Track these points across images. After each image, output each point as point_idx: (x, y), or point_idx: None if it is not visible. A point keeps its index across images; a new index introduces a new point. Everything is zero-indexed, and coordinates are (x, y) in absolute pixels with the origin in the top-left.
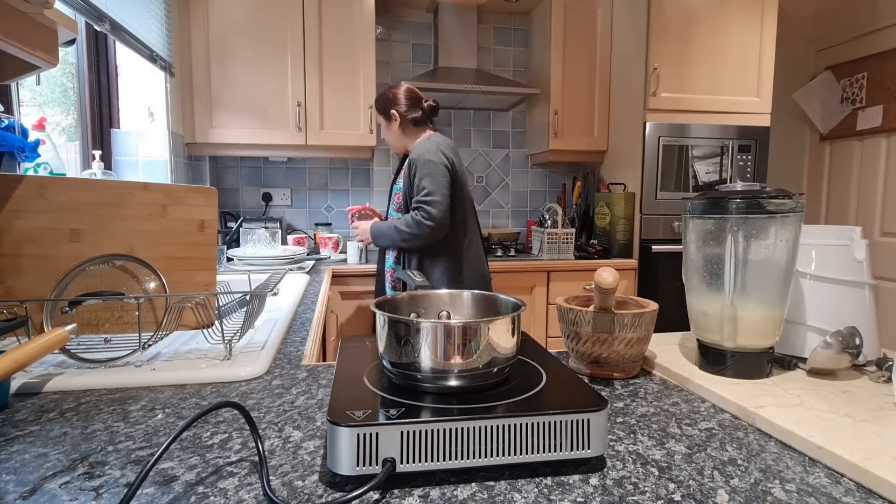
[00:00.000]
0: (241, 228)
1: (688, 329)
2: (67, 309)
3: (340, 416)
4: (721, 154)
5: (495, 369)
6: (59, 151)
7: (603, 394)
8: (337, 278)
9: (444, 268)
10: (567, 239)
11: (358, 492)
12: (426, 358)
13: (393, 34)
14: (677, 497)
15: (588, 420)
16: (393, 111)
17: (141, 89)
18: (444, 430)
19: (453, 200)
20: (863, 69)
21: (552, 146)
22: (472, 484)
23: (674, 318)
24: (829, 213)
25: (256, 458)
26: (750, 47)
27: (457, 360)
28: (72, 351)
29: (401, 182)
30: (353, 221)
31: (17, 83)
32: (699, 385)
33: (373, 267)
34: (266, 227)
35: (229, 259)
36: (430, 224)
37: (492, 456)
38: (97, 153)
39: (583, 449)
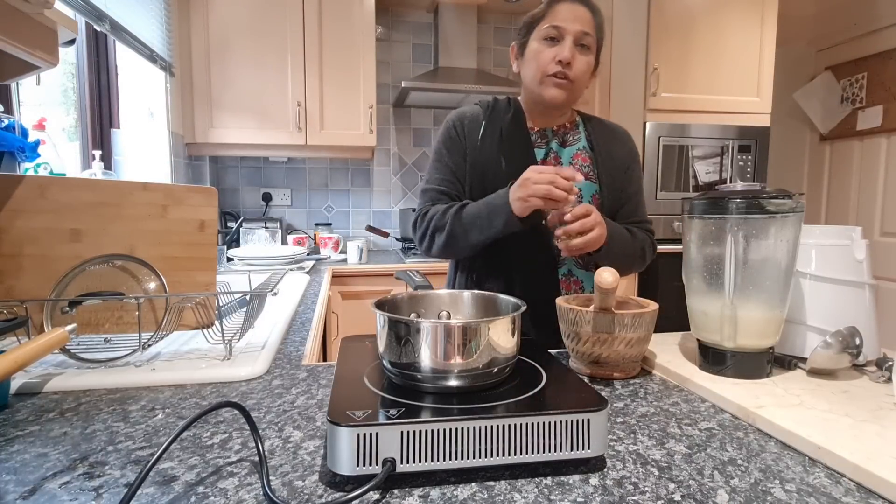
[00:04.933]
0: (241, 228)
1: (688, 329)
2: (67, 309)
3: (340, 416)
4: (721, 154)
5: (495, 369)
6: (60, 151)
7: (603, 394)
8: (337, 278)
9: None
10: None
11: (358, 492)
12: (426, 358)
13: (393, 34)
14: (677, 497)
15: (588, 420)
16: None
17: (141, 89)
18: (444, 430)
19: None
20: (863, 69)
21: None
22: (472, 484)
23: (674, 318)
24: (829, 213)
25: (256, 458)
26: (750, 47)
27: (457, 360)
28: (72, 351)
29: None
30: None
31: (17, 83)
32: (699, 385)
33: (372, 267)
34: (266, 227)
35: (229, 259)
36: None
37: (492, 456)
38: (97, 153)
39: (583, 449)
